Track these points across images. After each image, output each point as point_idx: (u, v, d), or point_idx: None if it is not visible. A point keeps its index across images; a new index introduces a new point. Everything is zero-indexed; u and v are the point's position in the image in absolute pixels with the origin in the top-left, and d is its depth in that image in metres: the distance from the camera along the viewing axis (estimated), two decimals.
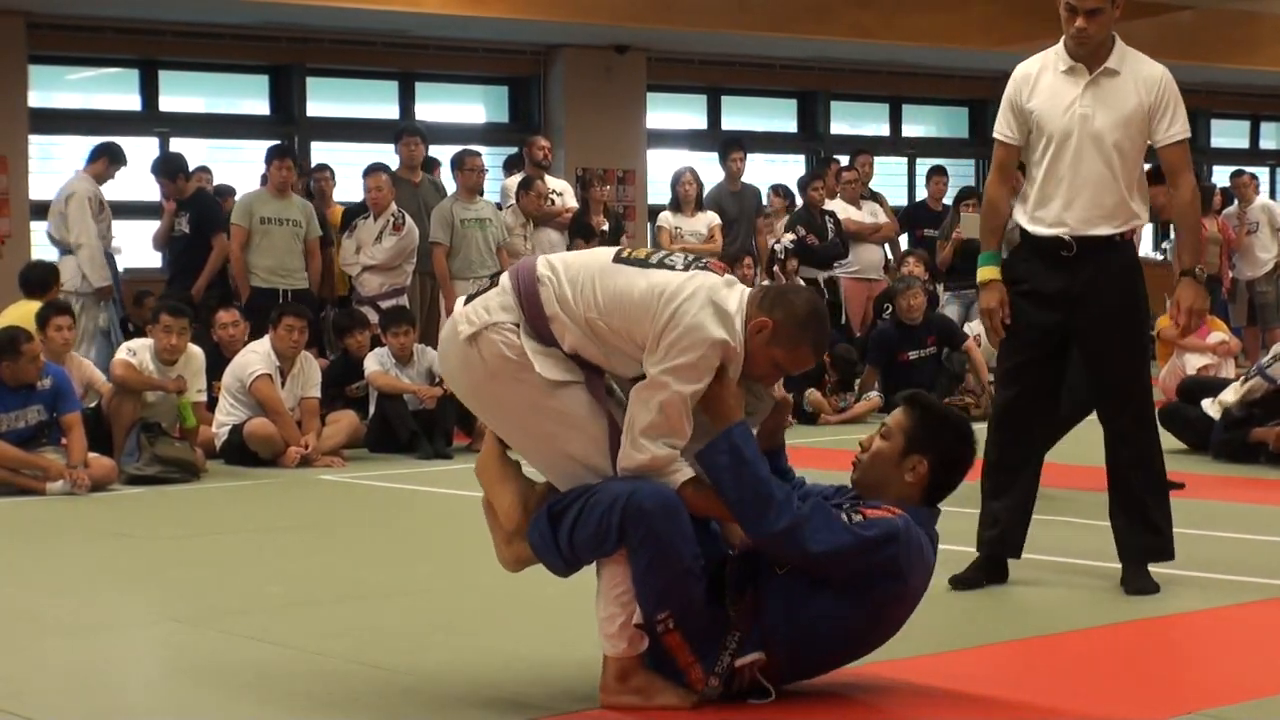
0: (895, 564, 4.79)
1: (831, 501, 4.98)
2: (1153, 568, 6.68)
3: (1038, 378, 6.78)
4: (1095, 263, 6.63)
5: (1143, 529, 6.70)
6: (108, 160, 13.48)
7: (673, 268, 4.94)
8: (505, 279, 5.01)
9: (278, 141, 15.68)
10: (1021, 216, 6.76)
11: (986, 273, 6.83)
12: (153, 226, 15.17)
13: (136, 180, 16.12)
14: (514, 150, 15.93)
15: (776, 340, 4.93)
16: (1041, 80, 6.71)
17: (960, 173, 20.79)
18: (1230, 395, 11.18)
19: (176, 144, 16.29)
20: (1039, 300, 6.71)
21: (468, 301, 5.04)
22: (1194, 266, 6.68)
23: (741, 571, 4.89)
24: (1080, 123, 6.60)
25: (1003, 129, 6.80)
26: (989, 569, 6.84)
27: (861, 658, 5.01)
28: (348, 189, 15.25)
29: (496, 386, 4.93)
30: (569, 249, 14.56)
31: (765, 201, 16.60)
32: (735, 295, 4.92)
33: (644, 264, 4.95)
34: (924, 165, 19.75)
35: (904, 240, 17.70)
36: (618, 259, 4.97)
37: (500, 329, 4.90)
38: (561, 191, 14.94)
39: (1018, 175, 7.04)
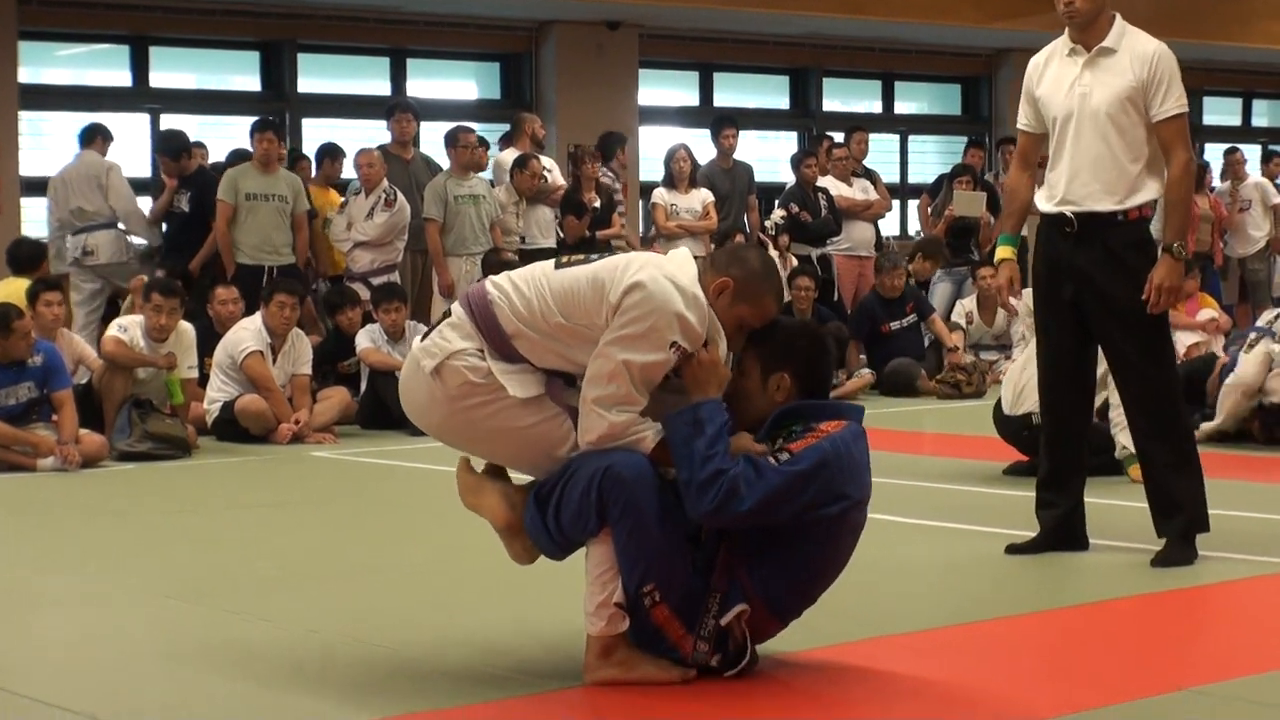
0: (832, 488, 4.82)
1: (770, 435, 4.99)
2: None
3: (1064, 348, 6.94)
4: (1098, 240, 6.71)
5: (1166, 502, 6.83)
6: (102, 139, 13.70)
7: (614, 255, 5.00)
8: (457, 309, 5.02)
9: (268, 116, 15.66)
10: (1038, 196, 6.94)
11: (1002, 251, 7.14)
12: (143, 202, 15.14)
13: (125, 156, 16.11)
14: (506, 127, 15.90)
15: (740, 297, 4.97)
16: (1049, 67, 6.87)
17: (952, 150, 20.77)
18: (1251, 369, 10.85)
19: (167, 120, 16.24)
20: (1056, 274, 6.86)
21: (423, 338, 5.04)
22: (1174, 243, 6.67)
23: (713, 533, 4.90)
24: (1080, 101, 6.71)
25: (1020, 118, 7.01)
26: (1056, 538, 6.96)
27: (837, 576, 5.02)
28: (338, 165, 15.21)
29: (467, 414, 4.94)
30: (560, 226, 14.58)
31: None
32: (688, 269, 4.93)
33: (585, 262, 5.00)
34: (916, 142, 19.82)
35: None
36: (559, 267, 5.01)
37: (463, 356, 4.91)
38: (550, 169, 14.92)
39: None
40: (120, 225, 13.53)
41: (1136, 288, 6.67)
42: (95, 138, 13.72)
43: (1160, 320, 6.77)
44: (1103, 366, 8.96)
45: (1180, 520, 6.79)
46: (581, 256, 5.08)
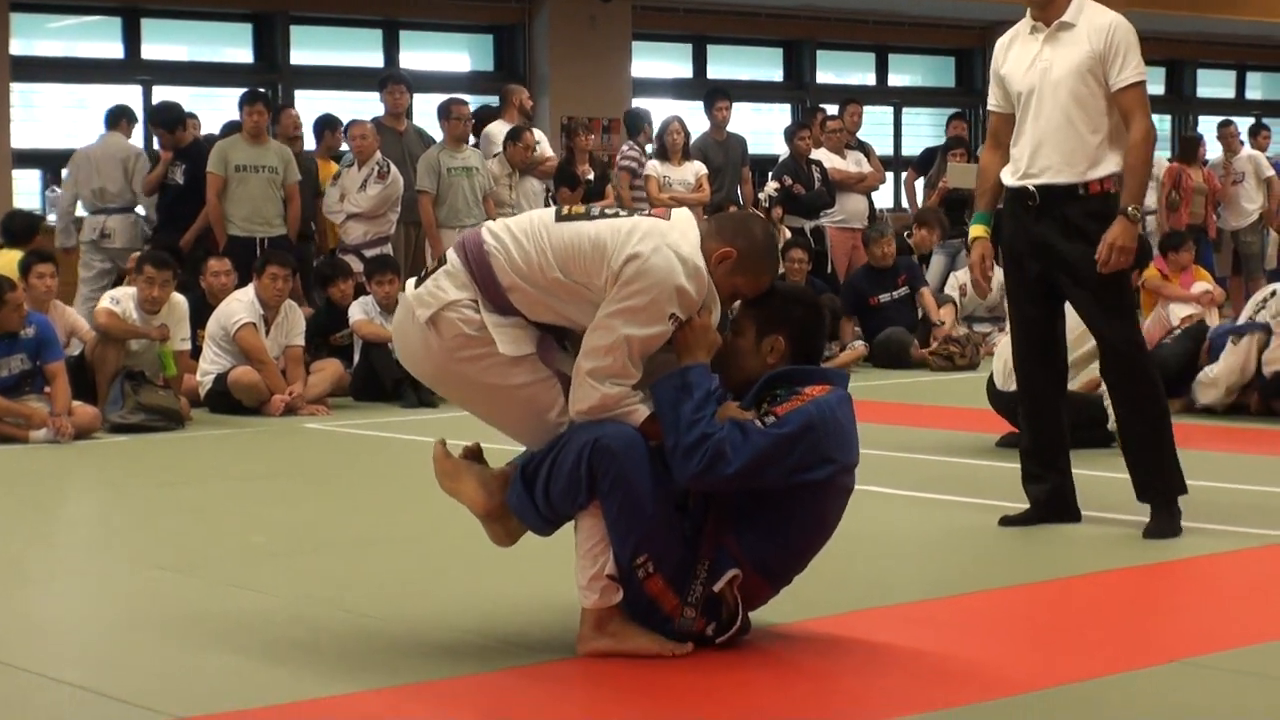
0: (818, 450, 4.82)
1: (756, 399, 5.00)
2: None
3: (1032, 325, 7.00)
4: (1059, 213, 6.76)
5: (1143, 471, 6.89)
6: (127, 121, 13.93)
7: (616, 216, 4.96)
8: (452, 256, 4.99)
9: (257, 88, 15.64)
10: (1004, 172, 6.96)
11: (974, 230, 7.12)
12: None
13: None
14: (496, 98, 15.87)
15: (740, 269, 4.98)
16: (1013, 47, 6.95)
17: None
18: (1234, 364, 10.82)
19: (159, 92, 16.21)
20: (1021, 249, 6.89)
21: (417, 284, 5.01)
22: (1129, 205, 6.67)
23: (700, 499, 4.91)
24: (1041, 76, 6.77)
25: (990, 99, 7.06)
26: (1048, 510, 6.99)
27: (826, 540, 5.03)
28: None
29: (460, 365, 4.93)
30: (553, 198, 14.56)
31: None
32: (691, 237, 4.91)
33: (586, 217, 4.96)
34: (910, 114, 19.80)
35: (919, 186, 17.62)
36: (560, 219, 4.97)
37: (457, 307, 4.90)
38: (539, 140, 14.90)
39: None
40: (140, 210, 13.69)
41: (1087, 259, 6.71)
42: (121, 120, 13.89)
43: (1121, 282, 6.80)
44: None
45: (1160, 486, 6.84)
46: (583, 209, 5.05)
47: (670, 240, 4.84)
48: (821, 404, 4.87)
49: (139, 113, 15.27)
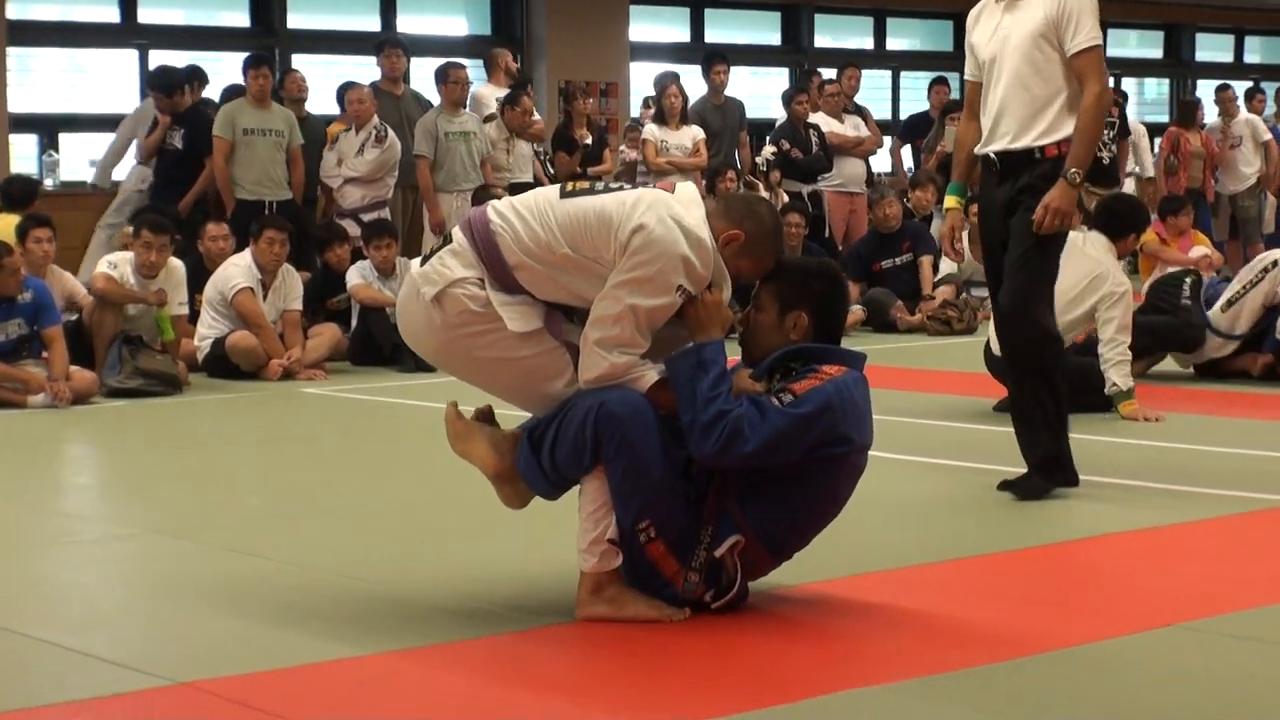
0: (836, 430, 4.83)
1: (769, 372, 5.01)
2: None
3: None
4: (1018, 177, 6.82)
5: (1027, 438, 6.99)
6: (199, 82, 13.93)
7: (621, 189, 4.97)
8: (458, 235, 4.99)
9: (260, 52, 15.59)
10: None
11: (947, 201, 7.29)
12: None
13: (113, 93, 16.05)
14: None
15: (746, 252, 4.98)
16: (982, 16, 7.02)
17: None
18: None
19: (156, 56, 16.15)
20: (990, 217, 7.01)
21: (423, 263, 5.02)
22: (1072, 169, 6.69)
23: (705, 467, 4.91)
24: (1001, 44, 6.84)
25: (966, 69, 7.13)
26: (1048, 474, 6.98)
27: (834, 517, 5.05)
28: (325, 102, 15.14)
29: (465, 342, 4.94)
30: (551, 162, 14.54)
31: None
32: (694, 211, 4.90)
33: (590, 192, 4.97)
34: (908, 78, 19.76)
35: (906, 153, 17.61)
36: (564, 195, 4.97)
37: (464, 284, 4.90)
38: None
39: None
40: None
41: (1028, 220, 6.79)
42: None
43: (1047, 246, 6.82)
44: (1092, 300, 9.00)
45: (1040, 451, 6.91)
46: (587, 184, 5.06)
47: (674, 212, 4.83)
48: (839, 383, 4.87)
49: (135, 78, 15.26)
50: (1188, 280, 10.82)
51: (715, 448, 4.75)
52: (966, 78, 7.09)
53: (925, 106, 17.95)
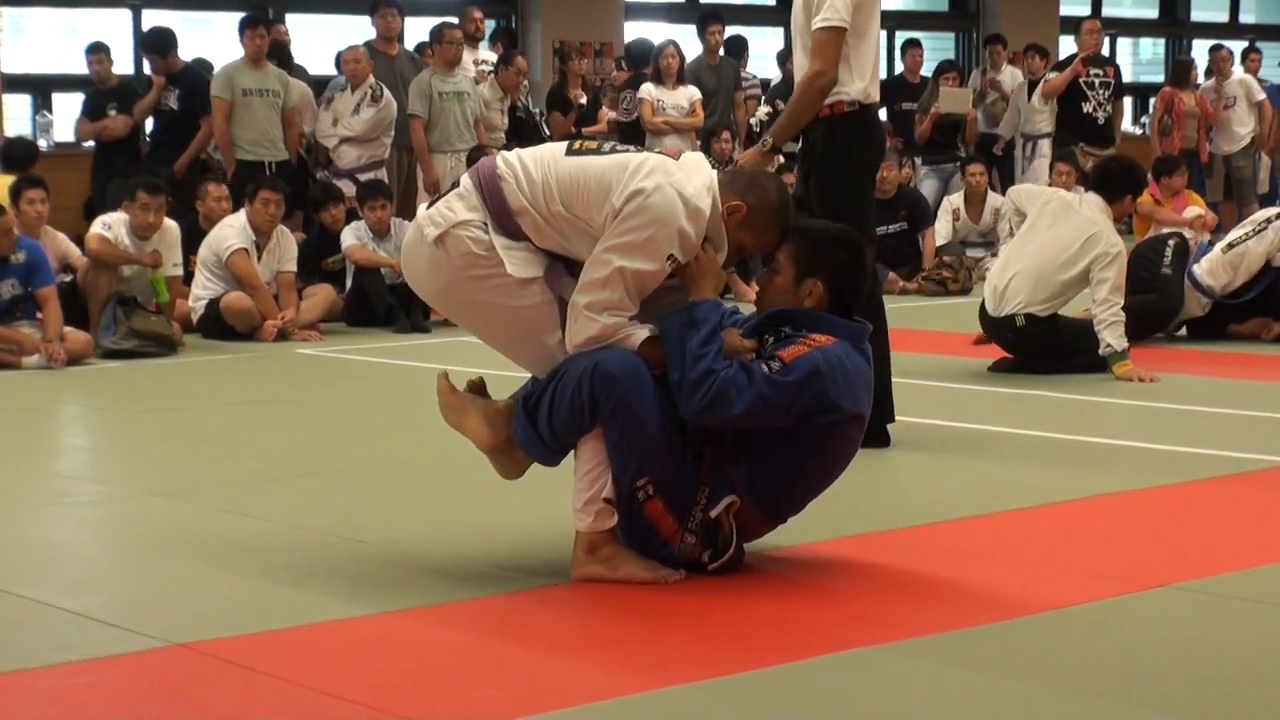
0: (825, 398, 4.81)
1: (758, 331, 5.02)
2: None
3: None
4: (810, 139, 7.09)
5: None
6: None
7: (626, 152, 4.97)
8: (465, 179, 5.01)
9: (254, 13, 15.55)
10: None
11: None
12: None
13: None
14: (492, 23, 15.77)
15: (748, 225, 4.98)
16: None
17: (939, 46, 20.66)
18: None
19: (149, 17, 16.10)
20: (804, 176, 7.25)
21: (429, 206, 5.03)
22: (767, 138, 6.94)
23: (700, 427, 4.91)
24: (795, 16, 7.06)
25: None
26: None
27: (829, 484, 5.06)
28: (322, 62, 15.12)
29: (466, 285, 4.95)
30: (546, 123, 14.52)
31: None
32: (703, 173, 4.91)
33: (596, 153, 4.97)
34: (903, 38, 19.61)
35: (882, 114, 17.57)
36: (569, 152, 4.98)
37: (468, 226, 4.91)
38: (485, 60, 14.87)
39: None
40: None
41: (823, 182, 6.98)
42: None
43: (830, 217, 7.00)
44: (1085, 260, 9.00)
45: None
46: (594, 144, 5.08)
47: (674, 180, 4.83)
48: (828, 352, 4.84)
49: (129, 38, 15.21)
50: (1171, 244, 10.80)
51: (700, 405, 4.75)
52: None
53: (927, 67, 17.87)
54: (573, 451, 4.97)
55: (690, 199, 4.83)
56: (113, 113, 13.57)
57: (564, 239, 4.90)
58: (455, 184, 5.05)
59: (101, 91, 13.74)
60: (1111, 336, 8.91)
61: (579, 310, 4.83)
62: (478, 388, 5.20)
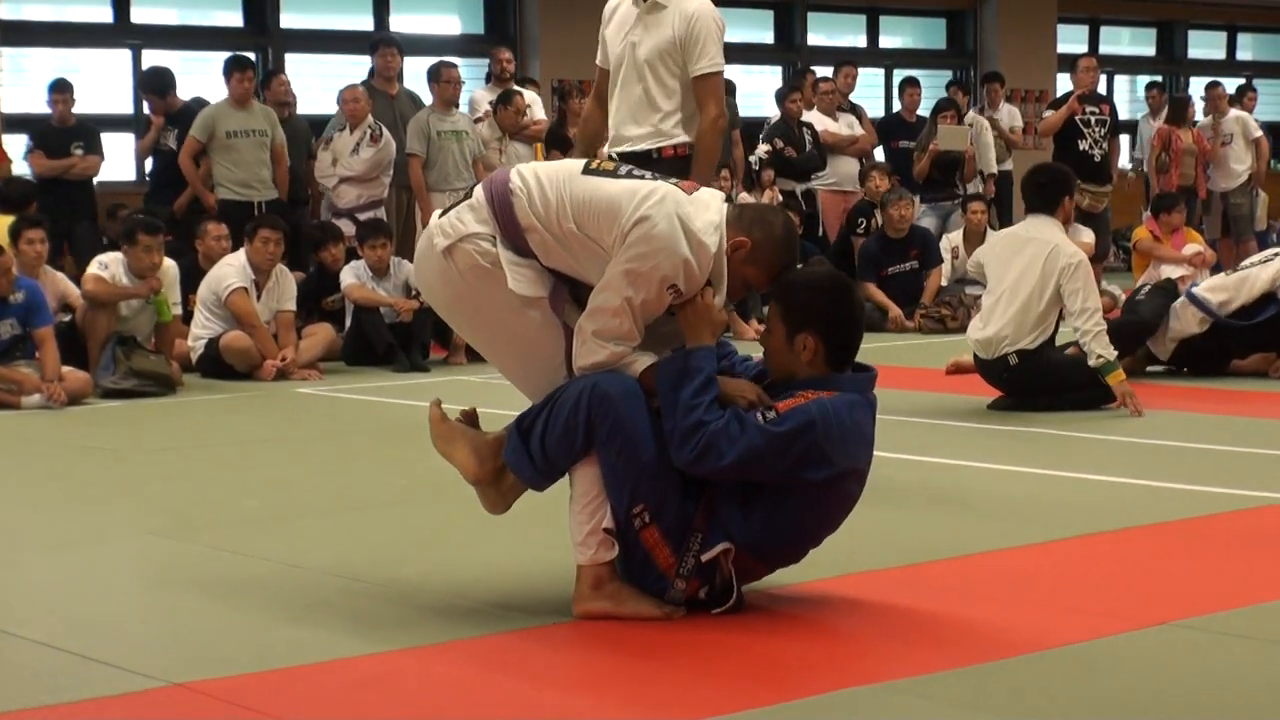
0: (818, 451, 4.77)
1: (759, 380, 5.02)
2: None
3: None
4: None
5: None
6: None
7: (640, 178, 4.97)
8: (478, 191, 5.03)
9: (254, 56, 15.63)
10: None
11: None
12: (125, 139, 15.13)
13: (109, 93, 16.04)
14: (486, 61, 15.80)
15: (753, 260, 4.98)
16: (617, 12, 7.34)
17: (937, 84, 20.71)
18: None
19: (149, 57, 16.16)
20: None
21: (442, 215, 5.05)
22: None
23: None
24: (630, 50, 7.15)
25: (599, 55, 7.42)
26: None
27: (827, 537, 5.04)
28: (322, 101, 15.15)
29: (473, 298, 4.97)
30: (545, 160, 14.52)
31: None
32: (713, 210, 4.91)
33: (612, 175, 4.99)
34: (902, 77, 19.69)
35: (879, 153, 17.66)
36: (586, 171, 5.00)
37: (476, 240, 4.93)
38: (531, 104, 14.84)
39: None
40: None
41: None
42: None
43: None
44: (1054, 282, 8.94)
45: None
46: (611, 166, 5.11)
47: (683, 211, 4.84)
48: (824, 405, 4.80)
49: (129, 78, 15.22)
50: (1160, 286, 10.91)
51: (691, 456, 4.74)
52: (599, 64, 7.36)
53: (924, 105, 17.90)
54: (568, 481, 4.94)
55: (696, 233, 4.83)
56: (79, 152, 13.60)
57: (573, 259, 4.91)
58: (469, 193, 5.07)
59: (61, 130, 13.75)
60: (1099, 347, 8.90)
61: (586, 335, 4.84)
62: (470, 419, 5.21)
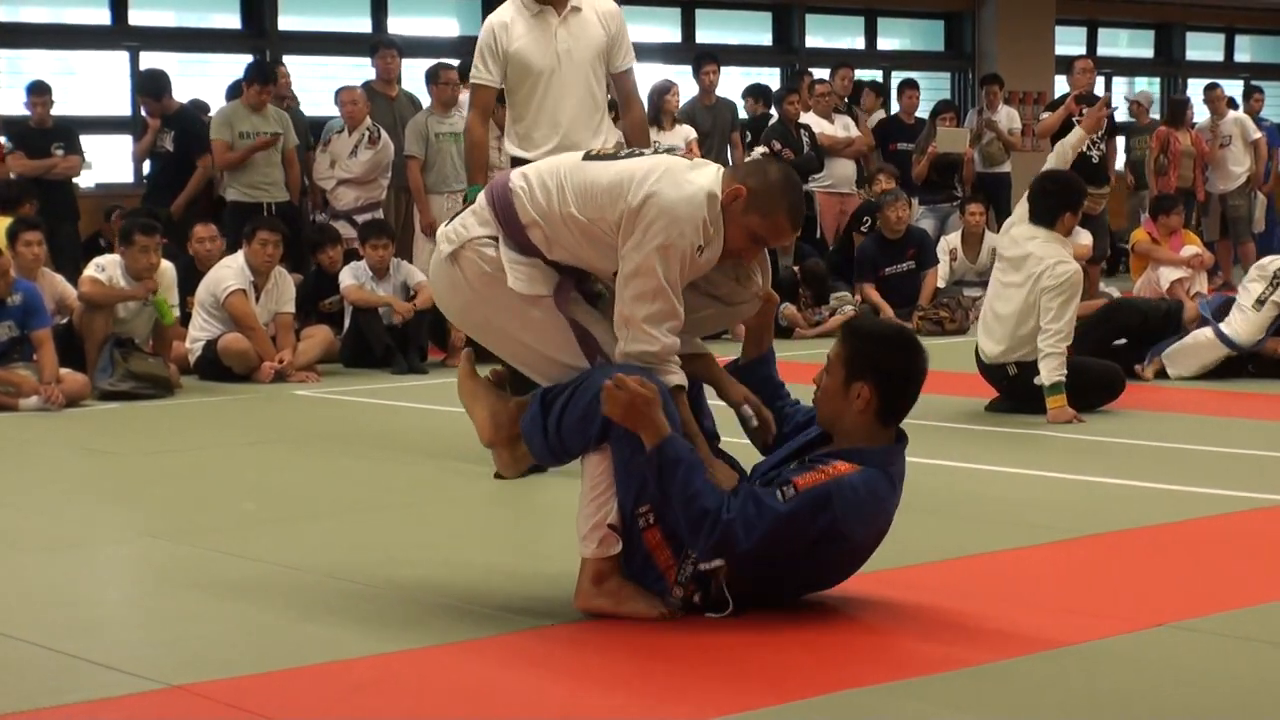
0: (833, 528, 4.76)
1: (806, 426, 5.03)
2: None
3: None
4: None
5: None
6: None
7: (640, 155, 5.03)
8: (482, 195, 5.07)
9: (252, 58, 15.64)
10: (512, 145, 7.46)
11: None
12: (122, 141, 15.11)
13: (106, 95, 16.04)
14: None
15: (752, 206, 4.91)
16: (516, 27, 7.37)
17: (935, 86, 20.71)
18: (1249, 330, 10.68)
19: (146, 59, 16.15)
20: None
21: (448, 223, 5.09)
22: None
23: None
24: (565, 57, 7.29)
25: (482, 75, 7.46)
26: None
27: (826, 588, 5.05)
28: (320, 103, 15.14)
29: (482, 304, 5.01)
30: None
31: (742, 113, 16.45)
32: (709, 173, 4.94)
33: (612, 157, 5.03)
34: (899, 79, 19.71)
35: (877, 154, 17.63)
36: (586, 158, 5.06)
37: (477, 244, 4.96)
38: None
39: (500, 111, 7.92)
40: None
41: None
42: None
43: None
44: (1039, 294, 8.92)
45: None
46: (611, 150, 5.18)
47: (687, 176, 4.88)
48: (843, 482, 4.76)
49: (126, 80, 15.22)
50: (1149, 313, 10.88)
51: (708, 545, 4.74)
52: (484, 83, 7.43)
53: (924, 107, 17.91)
54: (571, 493, 4.94)
55: (703, 187, 4.86)
56: (59, 152, 13.60)
57: (576, 246, 4.92)
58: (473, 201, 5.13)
59: (40, 131, 13.75)
60: (1048, 367, 8.86)
61: (637, 324, 4.83)
62: (499, 379, 5.21)
